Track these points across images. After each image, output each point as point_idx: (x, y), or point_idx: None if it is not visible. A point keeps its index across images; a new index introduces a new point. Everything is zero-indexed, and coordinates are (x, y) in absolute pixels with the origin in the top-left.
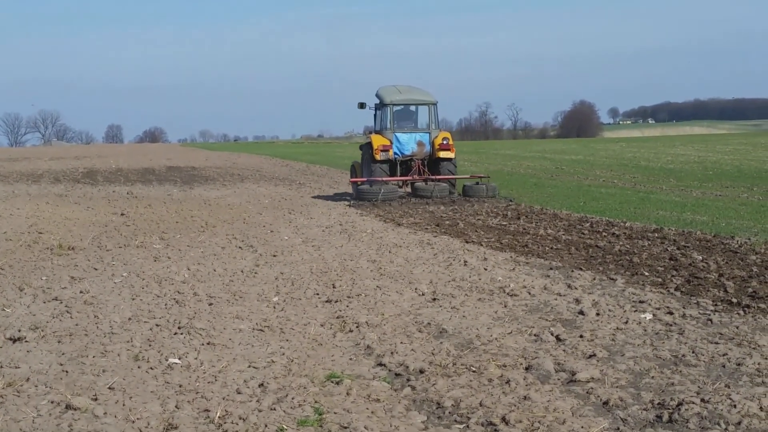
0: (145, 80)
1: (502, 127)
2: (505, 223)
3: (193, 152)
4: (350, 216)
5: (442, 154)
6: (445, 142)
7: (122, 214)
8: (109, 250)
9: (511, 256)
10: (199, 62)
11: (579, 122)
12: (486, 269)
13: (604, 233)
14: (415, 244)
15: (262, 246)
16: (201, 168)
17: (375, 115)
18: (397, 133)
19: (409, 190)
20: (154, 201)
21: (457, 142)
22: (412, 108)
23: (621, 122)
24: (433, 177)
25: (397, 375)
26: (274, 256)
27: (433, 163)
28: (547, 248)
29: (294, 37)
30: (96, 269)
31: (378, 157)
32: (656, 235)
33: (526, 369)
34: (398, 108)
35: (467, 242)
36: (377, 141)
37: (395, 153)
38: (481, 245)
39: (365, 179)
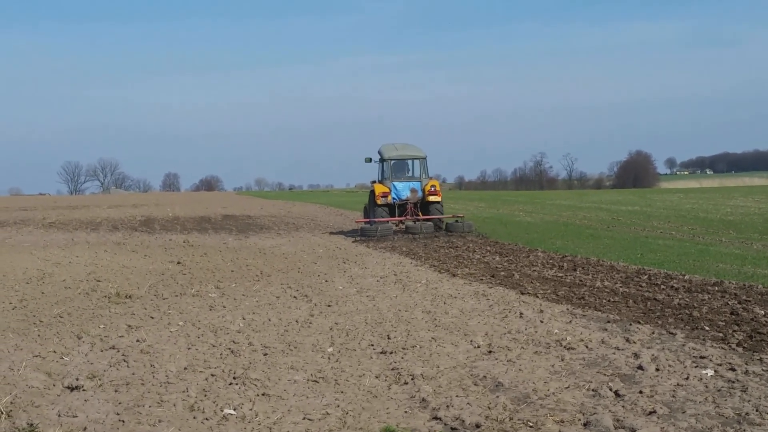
0: (201, 128)
1: (557, 177)
2: (561, 274)
3: (249, 200)
4: (404, 266)
5: (431, 198)
6: (433, 189)
7: (178, 263)
8: (166, 299)
9: (567, 309)
10: (255, 111)
11: (635, 172)
12: (542, 321)
13: (662, 286)
14: (470, 295)
15: (316, 296)
16: (256, 216)
17: (378, 168)
18: (394, 182)
19: (403, 227)
20: (210, 249)
21: (511, 191)
22: (407, 162)
23: (678, 173)
24: (421, 217)
25: (453, 429)
26: (329, 305)
27: (424, 206)
28: (604, 301)
29: (348, 85)
30: (152, 318)
31: (379, 201)
32: (716, 288)
33: (585, 425)
34: (395, 162)
35: (523, 294)
36: (378, 189)
37: (393, 198)
38: (537, 297)
39: (368, 219)
